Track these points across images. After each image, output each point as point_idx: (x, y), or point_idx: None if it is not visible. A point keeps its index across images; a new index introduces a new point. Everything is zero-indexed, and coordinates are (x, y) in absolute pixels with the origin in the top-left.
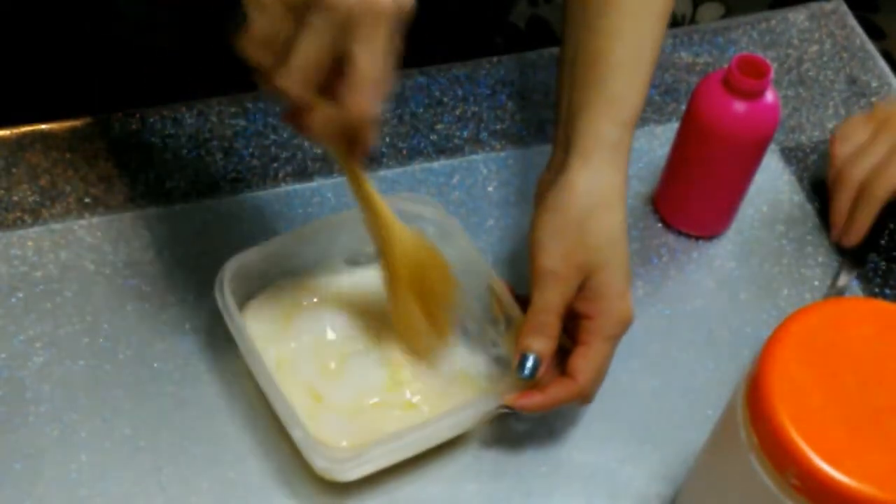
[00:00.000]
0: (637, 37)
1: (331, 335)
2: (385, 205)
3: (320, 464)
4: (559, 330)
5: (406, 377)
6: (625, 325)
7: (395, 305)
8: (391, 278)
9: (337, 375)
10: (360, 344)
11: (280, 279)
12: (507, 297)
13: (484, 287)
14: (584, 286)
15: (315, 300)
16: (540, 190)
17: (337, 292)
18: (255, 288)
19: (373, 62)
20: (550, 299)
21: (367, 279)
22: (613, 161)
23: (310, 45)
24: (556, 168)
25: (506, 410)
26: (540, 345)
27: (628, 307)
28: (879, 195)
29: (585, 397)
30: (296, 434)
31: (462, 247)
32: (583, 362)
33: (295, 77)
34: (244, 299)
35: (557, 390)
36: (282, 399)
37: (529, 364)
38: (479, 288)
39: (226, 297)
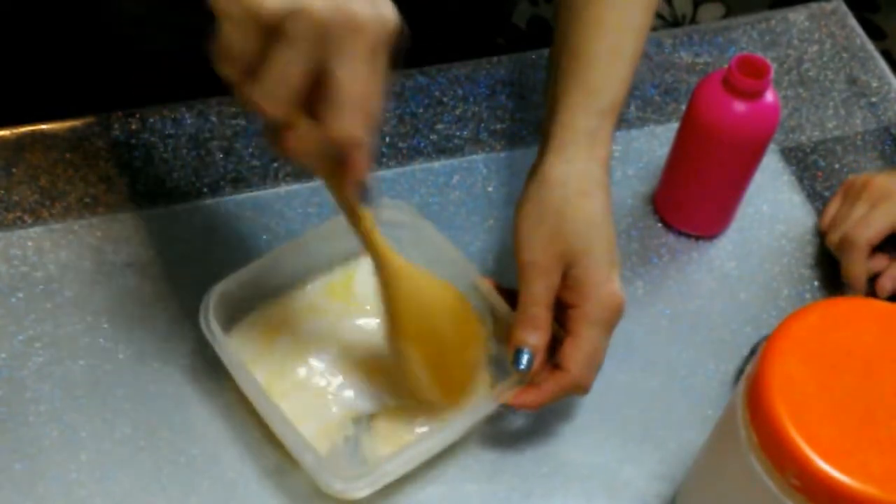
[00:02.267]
0: (619, 28)
1: (322, 354)
2: (389, 247)
3: (337, 486)
4: (550, 321)
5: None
6: (613, 310)
7: (395, 356)
8: (390, 327)
9: (335, 390)
10: (353, 358)
11: (266, 300)
12: (493, 294)
13: (469, 286)
14: (567, 275)
15: (303, 317)
16: (524, 183)
17: (324, 308)
18: (241, 310)
19: (355, 80)
20: (536, 291)
21: (357, 292)
22: (589, 150)
23: (285, 61)
24: (538, 160)
25: (505, 410)
26: (532, 338)
27: (615, 292)
28: (860, 241)
29: (580, 387)
30: (307, 459)
31: (441, 248)
32: (572, 352)
33: (270, 94)
34: (231, 322)
35: (551, 384)
36: (287, 425)
37: (524, 358)
38: (464, 287)
39: (212, 327)
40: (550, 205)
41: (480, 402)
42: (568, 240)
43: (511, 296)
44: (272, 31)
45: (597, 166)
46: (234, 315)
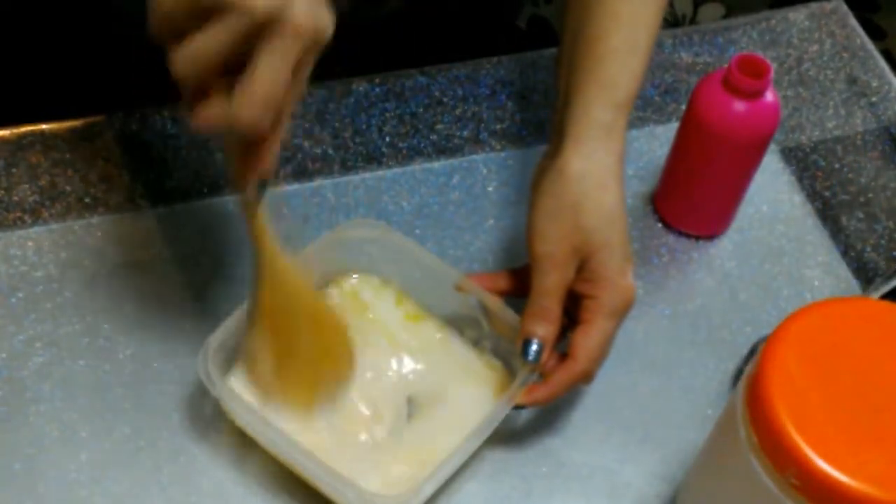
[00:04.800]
0: (633, 23)
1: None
2: (274, 244)
3: None
4: (560, 314)
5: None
6: (626, 302)
7: (249, 343)
8: (253, 313)
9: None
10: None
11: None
12: (480, 292)
13: (453, 289)
14: (582, 268)
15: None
16: (536, 177)
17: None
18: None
19: (271, 75)
20: (549, 284)
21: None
22: (606, 143)
23: (212, 37)
24: (552, 154)
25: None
26: (543, 330)
27: (630, 285)
28: None
29: (587, 376)
30: (350, 495)
31: (421, 259)
32: (583, 340)
33: (188, 60)
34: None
35: (560, 376)
36: (323, 467)
37: (534, 349)
38: (448, 291)
39: (213, 377)
40: (568, 198)
41: (497, 408)
42: (586, 233)
43: (514, 277)
44: (207, 7)
45: (613, 160)
46: (230, 359)
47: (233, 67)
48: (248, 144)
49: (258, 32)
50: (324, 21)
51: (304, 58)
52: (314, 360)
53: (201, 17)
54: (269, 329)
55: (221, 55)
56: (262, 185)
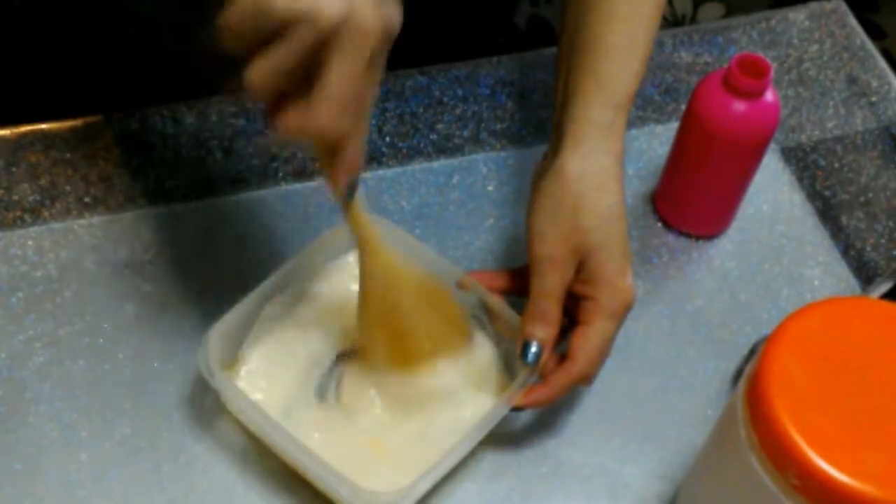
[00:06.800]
0: (632, 22)
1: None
2: (373, 231)
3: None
4: (560, 315)
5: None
6: (625, 303)
7: (359, 327)
8: (360, 302)
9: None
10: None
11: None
12: (481, 290)
13: (454, 287)
14: (581, 269)
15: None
16: (535, 177)
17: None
18: (235, 346)
19: (344, 80)
20: (549, 285)
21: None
22: (605, 144)
23: (281, 53)
24: (551, 154)
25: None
26: (542, 332)
27: (628, 286)
28: None
29: (587, 377)
30: (343, 491)
31: (423, 256)
32: (582, 342)
33: (261, 78)
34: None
35: (559, 377)
36: (320, 462)
37: (533, 351)
38: (455, 289)
39: (225, 384)
40: (566, 199)
41: (495, 408)
42: (584, 234)
43: (514, 276)
44: (275, 24)
45: (612, 160)
46: (231, 352)
47: (308, 73)
48: (333, 147)
49: (327, 39)
50: (391, 15)
51: (376, 56)
52: (427, 338)
53: (269, 31)
54: (379, 316)
55: (294, 66)
56: (353, 183)
